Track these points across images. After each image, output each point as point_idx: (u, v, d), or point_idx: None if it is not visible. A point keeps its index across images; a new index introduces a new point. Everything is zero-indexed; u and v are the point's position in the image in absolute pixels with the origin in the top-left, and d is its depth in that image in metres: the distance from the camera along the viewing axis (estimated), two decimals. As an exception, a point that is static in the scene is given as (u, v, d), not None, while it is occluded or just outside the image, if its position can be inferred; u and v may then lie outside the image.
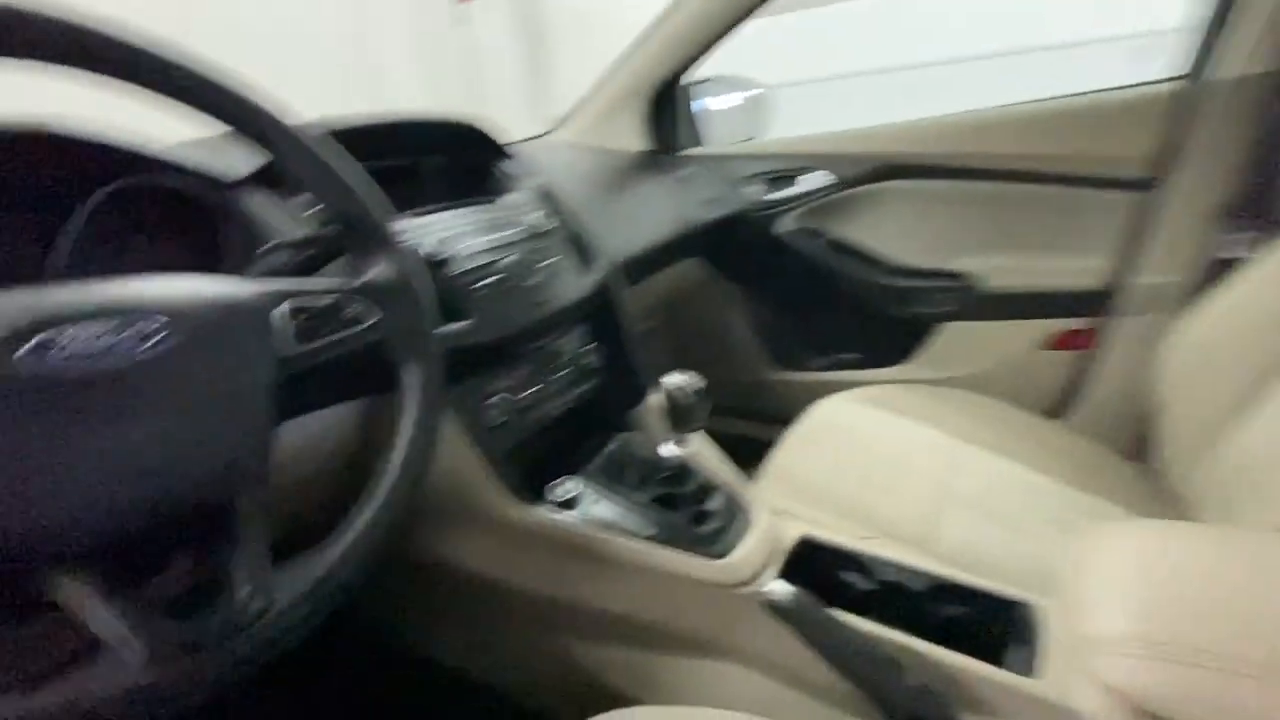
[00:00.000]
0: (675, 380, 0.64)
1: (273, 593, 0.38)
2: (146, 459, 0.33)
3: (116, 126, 0.50)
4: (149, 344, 0.33)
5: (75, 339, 0.31)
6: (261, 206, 0.55)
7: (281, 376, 0.40)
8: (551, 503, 0.66)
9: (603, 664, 0.69)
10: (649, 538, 0.63)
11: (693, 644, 0.64)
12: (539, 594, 0.68)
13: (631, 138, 1.16)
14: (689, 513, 0.65)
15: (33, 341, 0.30)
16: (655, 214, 1.07)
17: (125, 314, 0.33)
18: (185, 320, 0.35)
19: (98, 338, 0.32)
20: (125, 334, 0.32)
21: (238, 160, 0.55)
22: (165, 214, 0.52)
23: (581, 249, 0.78)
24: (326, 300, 0.43)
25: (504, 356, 0.67)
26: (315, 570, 0.40)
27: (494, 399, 0.65)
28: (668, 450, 0.68)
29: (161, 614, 0.34)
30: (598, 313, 0.79)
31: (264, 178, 0.55)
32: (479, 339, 0.59)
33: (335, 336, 0.43)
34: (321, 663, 0.82)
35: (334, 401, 0.52)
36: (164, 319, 0.34)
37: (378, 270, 0.47)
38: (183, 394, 0.35)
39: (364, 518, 0.43)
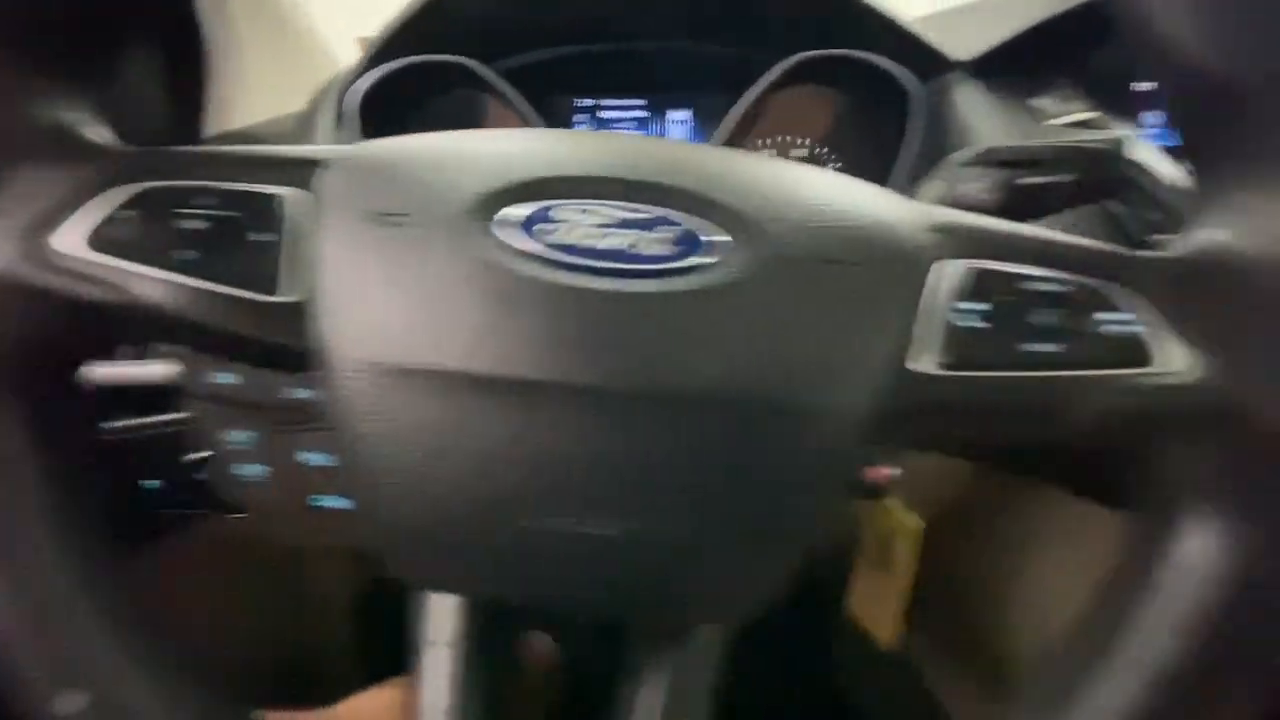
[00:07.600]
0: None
1: None
2: None
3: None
4: (690, 261, 0.18)
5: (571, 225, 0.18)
6: (975, 105, 0.39)
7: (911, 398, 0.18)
8: None
9: None
10: None
11: None
12: None
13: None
14: None
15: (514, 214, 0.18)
16: None
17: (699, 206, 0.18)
18: (766, 239, 0.18)
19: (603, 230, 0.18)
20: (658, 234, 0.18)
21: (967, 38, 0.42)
22: (852, 98, 0.42)
23: None
24: (1049, 285, 0.19)
25: None
26: None
27: None
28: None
29: None
30: None
31: (997, 63, 0.42)
32: None
33: (1040, 348, 0.18)
34: None
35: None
36: (728, 239, 0.18)
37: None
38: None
39: None
